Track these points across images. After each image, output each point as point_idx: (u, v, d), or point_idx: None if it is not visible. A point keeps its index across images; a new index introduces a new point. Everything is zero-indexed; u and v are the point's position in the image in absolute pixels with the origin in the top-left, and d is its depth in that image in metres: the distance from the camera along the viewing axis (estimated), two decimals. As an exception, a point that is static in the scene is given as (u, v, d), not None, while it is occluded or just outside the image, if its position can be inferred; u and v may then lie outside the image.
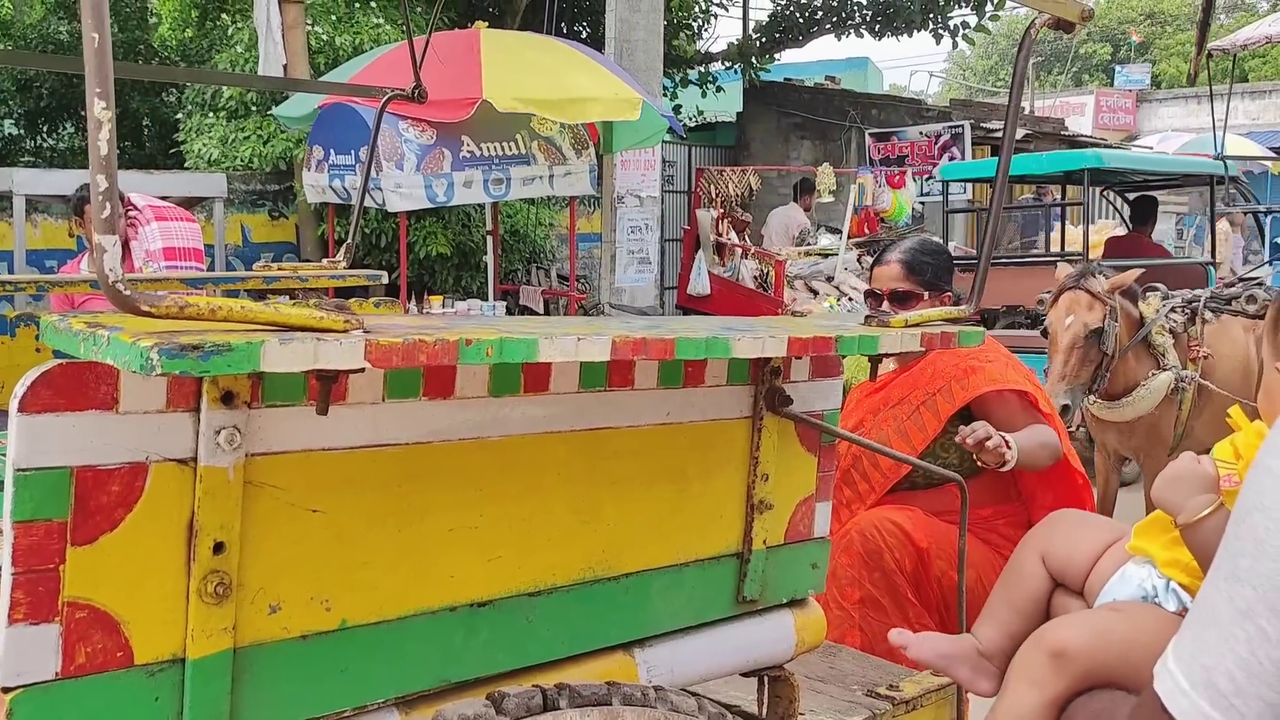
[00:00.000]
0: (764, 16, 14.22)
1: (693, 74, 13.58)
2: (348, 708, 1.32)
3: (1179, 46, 34.50)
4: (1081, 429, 5.30)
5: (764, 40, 14.01)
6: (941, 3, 13.18)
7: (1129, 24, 36.06)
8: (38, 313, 2.27)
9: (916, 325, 1.62)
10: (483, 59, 7.06)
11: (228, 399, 1.18)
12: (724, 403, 1.64)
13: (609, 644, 1.55)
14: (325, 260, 2.69)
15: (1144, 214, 7.97)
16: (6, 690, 1.09)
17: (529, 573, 1.45)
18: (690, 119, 13.92)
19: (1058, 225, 9.94)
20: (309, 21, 9.26)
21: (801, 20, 13.71)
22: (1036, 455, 2.66)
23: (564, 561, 1.48)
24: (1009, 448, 2.55)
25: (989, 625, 1.71)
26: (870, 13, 13.52)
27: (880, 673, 2.19)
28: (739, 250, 9.85)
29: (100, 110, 0.98)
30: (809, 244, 10.92)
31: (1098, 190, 8.03)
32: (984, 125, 12.74)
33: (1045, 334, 4.61)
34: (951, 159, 12.23)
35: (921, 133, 12.32)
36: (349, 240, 2.68)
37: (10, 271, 8.03)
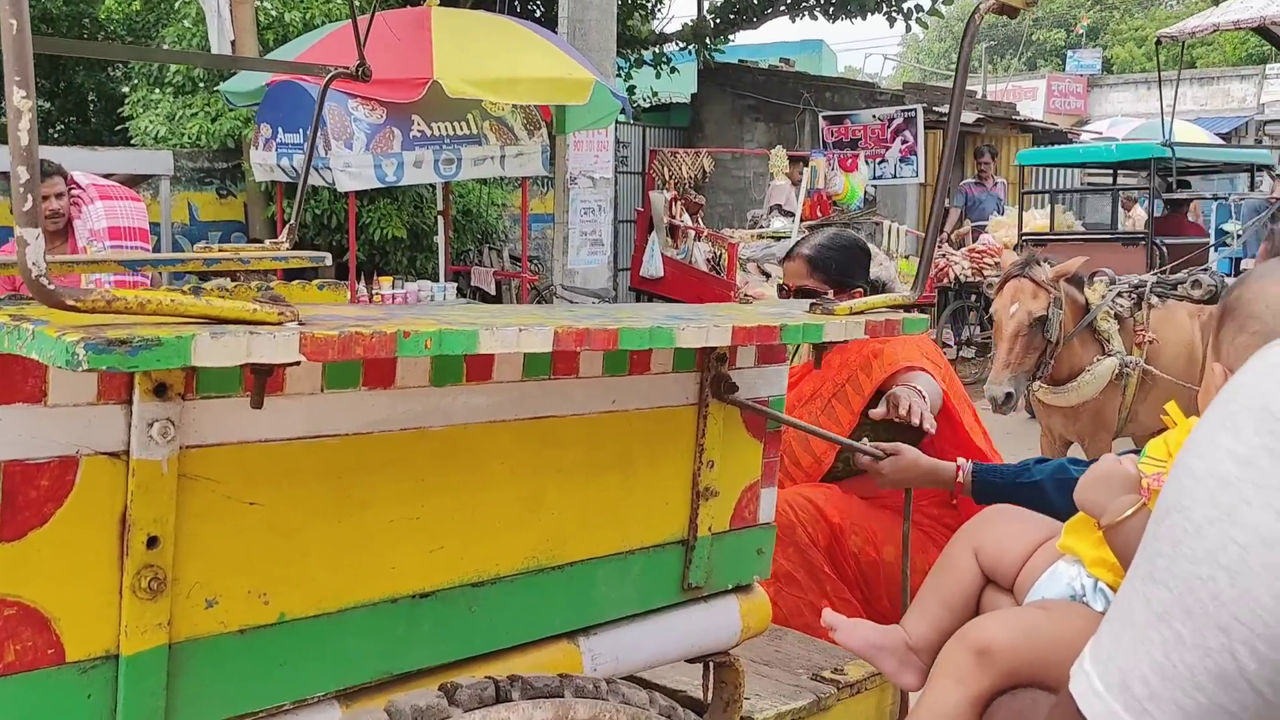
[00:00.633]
0: (718, -2, 14.20)
1: (647, 54, 13.52)
2: (287, 701, 1.30)
3: (1131, 32, 34.90)
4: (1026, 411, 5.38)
5: (718, 21, 13.98)
6: (895, -14, 13.23)
7: (1078, 7, 36.42)
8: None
9: (860, 313, 1.63)
10: (434, 38, 6.98)
11: (160, 391, 1.15)
12: (670, 390, 1.63)
13: (553, 633, 1.55)
14: (268, 241, 2.64)
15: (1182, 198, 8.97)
16: (-69, 689, 1.07)
17: (472, 563, 1.44)
18: (644, 100, 13.86)
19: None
20: (257, -4, 9.11)
21: (756, 2, 13.70)
22: (933, 402, 2.67)
23: (508, 551, 1.48)
24: (924, 399, 2.55)
25: (918, 619, 1.70)
26: (825, -5, 13.54)
27: (825, 656, 2.20)
28: (691, 233, 9.85)
29: (20, 99, 0.95)
30: (761, 227, 10.94)
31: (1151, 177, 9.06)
32: (937, 109, 12.81)
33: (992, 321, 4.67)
34: (905, 143, 12.32)
35: (875, 116, 12.38)
36: (291, 221, 2.64)
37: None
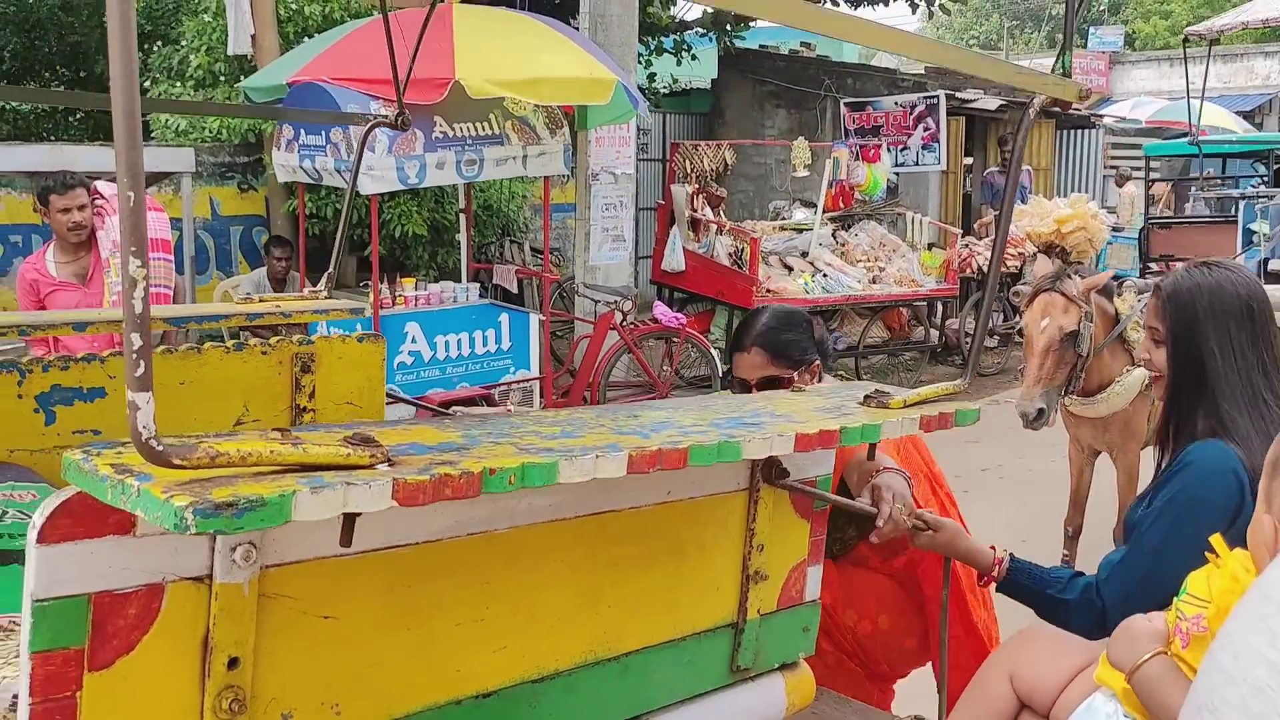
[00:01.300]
0: (738, -18, 14.07)
1: (667, 41, 13.46)
2: (359, 805, 1.34)
3: (1155, 4, 34.45)
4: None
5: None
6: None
7: (1101, -17, 36.00)
8: (17, 358, 2.23)
9: (915, 405, 1.65)
10: (455, 37, 6.96)
11: (244, 519, 1.18)
12: (723, 477, 1.66)
13: (610, 721, 1.58)
14: (307, 290, 2.67)
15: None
16: (28, 821, 1.10)
17: (533, 660, 1.48)
18: (665, 86, 13.81)
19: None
20: (278, -11, 9.10)
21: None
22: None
23: (567, 646, 1.51)
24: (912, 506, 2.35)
25: None
26: (845, -19, 13.44)
27: (860, 718, 2.23)
28: (714, 227, 9.82)
29: (135, 269, 0.98)
30: (783, 219, 10.92)
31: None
32: (959, 95, 12.72)
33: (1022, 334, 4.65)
34: (927, 130, 12.24)
35: (896, 103, 12.29)
36: (330, 269, 2.66)
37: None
